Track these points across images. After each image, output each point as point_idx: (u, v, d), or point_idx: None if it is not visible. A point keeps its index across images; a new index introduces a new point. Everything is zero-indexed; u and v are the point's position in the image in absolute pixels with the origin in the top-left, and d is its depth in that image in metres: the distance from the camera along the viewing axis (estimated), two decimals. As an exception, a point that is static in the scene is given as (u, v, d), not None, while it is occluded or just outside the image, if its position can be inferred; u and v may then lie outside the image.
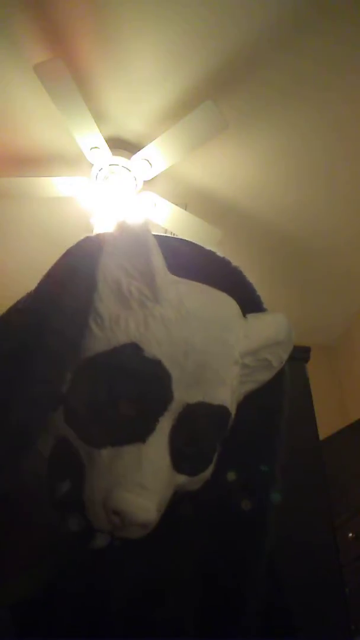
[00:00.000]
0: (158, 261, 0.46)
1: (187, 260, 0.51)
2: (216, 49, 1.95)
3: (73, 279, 0.47)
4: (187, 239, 0.57)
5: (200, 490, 0.48)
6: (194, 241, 0.56)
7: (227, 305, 0.49)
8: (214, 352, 0.45)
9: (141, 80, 2.07)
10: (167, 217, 2.35)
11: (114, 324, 0.45)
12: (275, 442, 0.51)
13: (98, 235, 0.50)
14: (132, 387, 0.43)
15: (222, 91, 2.08)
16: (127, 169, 2.23)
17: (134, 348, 0.43)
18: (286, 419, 0.52)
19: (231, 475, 0.49)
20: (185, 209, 2.39)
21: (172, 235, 0.55)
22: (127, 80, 2.07)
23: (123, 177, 2.24)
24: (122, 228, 0.47)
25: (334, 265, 2.91)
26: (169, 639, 0.44)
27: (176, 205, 2.35)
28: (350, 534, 1.99)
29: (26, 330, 0.46)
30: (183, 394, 0.44)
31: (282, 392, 0.53)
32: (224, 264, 0.54)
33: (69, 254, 0.50)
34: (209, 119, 1.95)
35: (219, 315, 0.47)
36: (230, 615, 0.46)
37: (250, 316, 0.50)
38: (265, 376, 0.51)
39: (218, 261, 0.54)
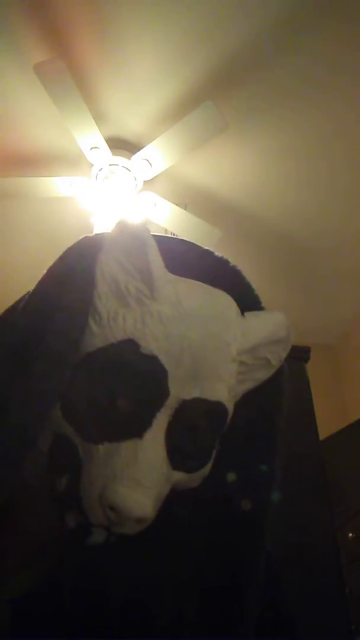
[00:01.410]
0: (156, 259, 0.46)
1: (186, 260, 0.51)
2: (216, 49, 1.95)
3: (72, 277, 0.47)
4: (187, 239, 0.57)
5: (200, 489, 0.48)
6: (192, 241, 0.56)
7: (225, 303, 0.49)
8: (211, 349, 0.46)
9: (141, 80, 2.07)
10: (167, 217, 2.35)
11: (112, 321, 0.45)
12: (275, 441, 0.51)
13: (97, 235, 0.51)
14: (129, 383, 0.44)
15: (222, 91, 2.08)
16: (127, 169, 2.23)
17: (131, 344, 0.44)
18: (285, 418, 0.52)
19: (231, 475, 0.49)
20: (185, 209, 2.39)
21: (172, 236, 0.55)
22: (127, 80, 2.07)
23: (123, 177, 2.24)
24: (121, 227, 0.48)
25: (334, 265, 2.91)
26: (169, 639, 0.44)
27: (176, 205, 2.35)
28: (350, 534, 1.99)
29: (26, 329, 0.46)
30: (179, 390, 0.44)
31: (281, 391, 0.53)
32: (222, 263, 0.54)
33: (67, 253, 0.51)
34: (209, 119, 1.95)
35: (217, 313, 0.47)
36: (230, 615, 0.45)
37: (248, 314, 0.50)
38: (263, 375, 0.51)
39: (216, 261, 0.54)
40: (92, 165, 2.23)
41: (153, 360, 0.44)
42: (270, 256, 2.84)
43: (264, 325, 0.50)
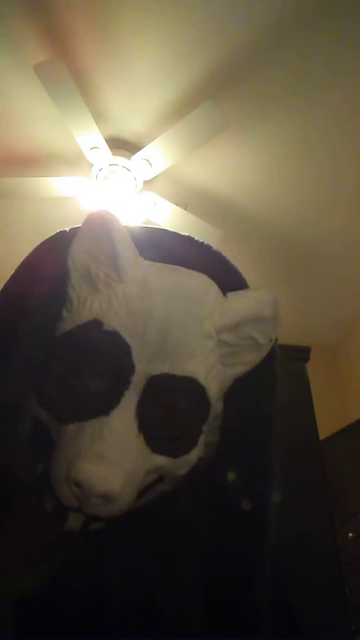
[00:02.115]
0: (122, 244, 0.47)
1: (166, 247, 0.51)
2: (216, 48, 1.95)
3: (43, 268, 0.49)
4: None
5: (199, 486, 0.48)
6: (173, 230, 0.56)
7: (200, 282, 0.49)
8: (179, 324, 0.45)
9: (141, 80, 2.07)
10: (167, 217, 2.35)
11: (81, 306, 0.46)
12: (270, 427, 0.50)
13: (70, 229, 0.52)
14: (95, 361, 0.44)
15: (222, 91, 2.08)
16: (127, 169, 2.23)
17: (95, 323, 0.45)
18: (280, 402, 0.51)
19: (230, 474, 0.48)
20: (185, 209, 2.39)
21: (154, 227, 0.56)
22: (127, 80, 2.07)
23: (123, 177, 2.24)
24: (90, 218, 0.49)
25: (334, 265, 2.91)
26: (169, 639, 0.44)
27: (176, 205, 2.35)
28: (350, 534, 1.99)
29: (1, 317, 0.47)
30: (146, 366, 0.44)
31: (274, 374, 0.52)
32: (204, 248, 0.54)
33: (39, 246, 0.52)
34: (209, 119, 1.95)
35: (187, 291, 0.47)
36: (234, 615, 0.45)
37: (230, 294, 0.50)
38: (254, 357, 0.50)
39: (198, 246, 0.54)
40: (92, 165, 2.23)
41: (115, 335, 0.44)
42: (271, 256, 2.84)
43: (245, 303, 0.49)
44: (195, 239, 0.54)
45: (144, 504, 0.47)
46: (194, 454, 0.47)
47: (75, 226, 0.51)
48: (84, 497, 0.40)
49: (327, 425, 1.73)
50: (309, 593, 0.96)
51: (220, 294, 0.49)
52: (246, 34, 1.90)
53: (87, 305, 0.46)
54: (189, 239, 0.54)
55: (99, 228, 0.48)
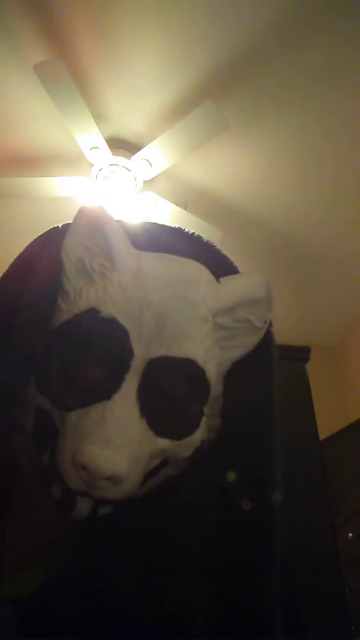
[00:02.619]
0: (115, 234, 0.48)
1: (158, 239, 0.53)
2: (216, 47, 1.95)
3: (38, 262, 0.50)
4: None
5: (203, 472, 0.48)
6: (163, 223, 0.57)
7: (193, 268, 0.50)
8: (174, 309, 0.46)
9: (141, 79, 2.07)
10: (167, 218, 2.35)
11: (77, 296, 0.47)
12: (271, 412, 0.50)
13: (63, 225, 0.53)
14: (94, 348, 0.45)
15: (222, 90, 2.08)
16: (127, 169, 2.23)
17: (92, 312, 0.46)
18: (277, 386, 0.51)
19: (232, 460, 0.48)
20: (185, 209, 2.39)
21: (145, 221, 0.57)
22: (127, 80, 2.07)
23: (123, 177, 2.24)
24: (81, 213, 0.50)
25: (335, 265, 2.91)
26: (169, 638, 0.44)
27: (176, 205, 2.35)
28: (350, 534, 1.99)
29: None
30: (145, 349, 0.45)
31: (270, 356, 0.52)
32: (194, 239, 0.55)
33: (34, 242, 0.53)
34: (209, 119, 1.95)
35: (181, 276, 0.48)
36: (239, 614, 0.45)
37: (223, 279, 0.51)
38: (251, 339, 0.51)
39: (189, 237, 0.55)
40: (92, 165, 2.23)
41: (112, 321, 0.45)
42: (271, 256, 2.84)
43: (238, 286, 0.50)
44: (186, 230, 0.55)
45: (149, 490, 0.47)
46: (197, 435, 0.47)
47: (67, 222, 0.52)
48: (92, 480, 0.41)
49: (327, 425, 1.73)
50: (309, 593, 0.96)
51: (214, 278, 0.50)
52: (246, 34, 1.90)
53: (83, 295, 0.47)
54: (180, 231, 0.55)
55: (91, 221, 0.49)
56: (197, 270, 0.50)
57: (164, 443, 0.45)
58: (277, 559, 0.46)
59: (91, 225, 0.49)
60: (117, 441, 0.41)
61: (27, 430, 0.47)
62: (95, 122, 1.99)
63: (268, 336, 0.52)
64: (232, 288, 0.50)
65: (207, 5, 1.82)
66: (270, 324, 0.53)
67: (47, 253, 0.50)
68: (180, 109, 2.11)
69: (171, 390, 0.46)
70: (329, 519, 1.23)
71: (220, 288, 0.49)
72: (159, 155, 2.12)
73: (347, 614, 1.14)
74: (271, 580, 0.45)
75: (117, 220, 0.50)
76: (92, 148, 2.12)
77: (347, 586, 1.23)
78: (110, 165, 2.22)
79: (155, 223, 0.56)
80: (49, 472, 0.43)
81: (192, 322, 0.47)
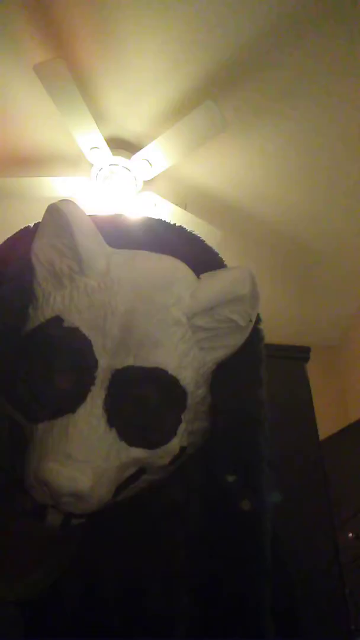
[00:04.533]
0: (82, 234, 0.46)
1: (136, 233, 0.50)
2: (216, 48, 1.95)
3: (8, 266, 0.47)
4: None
5: (190, 474, 0.47)
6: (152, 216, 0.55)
7: (168, 267, 0.47)
8: (143, 314, 0.44)
9: (141, 80, 2.07)
10: (167, 217, 2.34)
11: (44, 303, 0.45)
12: (259, 413, 0.48)
13: (33, 224, 0.51)
14: (58, 359, 0.44)
15: (222, 91, 2.08)
16: (127, 169, 2.23)
17: (56, 320, 0.44)
18: (267, 385, 0.49)
19: (223, 462, 0.47)
20: (185, 209, 2.39)
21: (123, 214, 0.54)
22: (127, 80, 2.07)
23: (123, 177, 2.24)
24: (49, 211, 0.48)
25: (335, 265, 2.91)
26: (169, 639, 0.44)
27: (176, 205, 2.35)
28: (350, 534, 1.99)
29: None
30: (110, 360, 0.43)
31: (258, 355, 0.49)
32: (176, 231, 0.53)
33: (3, 245, 0.51)
34: (209, 119, 1.95)
35: (153, 278, 0.46)
36: (233, 616, 0.45)
37: (204, 275, 0.48)
38: (235, 339, 0.48)
39: (170, 229, 0.53)
40: (92, 165, 2.23)
41: (74, 332, 0.43)
42: (271, 256, 2.84)
43: (217, 284, 0.47)
44: (167, 221, 0.53)
45: (131, 495, 0.46)
46: (174, 443, 0.45)
47: (39, 221, 0.50)
48: (55, 496, 0.40)
49: (327, 425, 1.73)
50: (309, 593, 0.96)
51: (193, 277, 0.47)
52: (246, 34, 1.90)
53: (50, 301, 0.45)
54: (160, 222, 0.53)
55: (58, 220, 0.47)
56: (173, 269, 0.47)
57: (137, 453, 0.44)
58: (267, 562, 0.45)
59: (59, 224, 0.46)
60: (80, 457, 0.40)
61: (2, 440, 0.46)
62: (95, 122, 1.99)
63: (255, 334, 0.49)
64: (212, 286, 0.46)
65: (207, 6, 1.82)
66: (258, 320, 0.50)
67: (16, 256, 0.48)
68: (181, 109, 2.11)
69: (140, 401, 0.44)
70: (329, 519, 1.23)
71: (199, 287, 0.46)
72: (159, 155, 2.12)
73: (347, 614, 1.14)
74: (260, 582, 0.44)
75: (88, 215, 0.48)
76: (92, 148, 2.12)
77: (347, 586, 1.23)
78: (110, 165, 2.22)
79: (136, 216, 0.53)
80: (19, 484, 0.42)
81: (162, 327, 0.44)
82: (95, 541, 0.48)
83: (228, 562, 0.45)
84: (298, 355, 1.42)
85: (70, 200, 0.47)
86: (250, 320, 0.48)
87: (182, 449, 0.46)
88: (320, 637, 0.92)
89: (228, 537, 0.45)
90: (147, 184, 2.30)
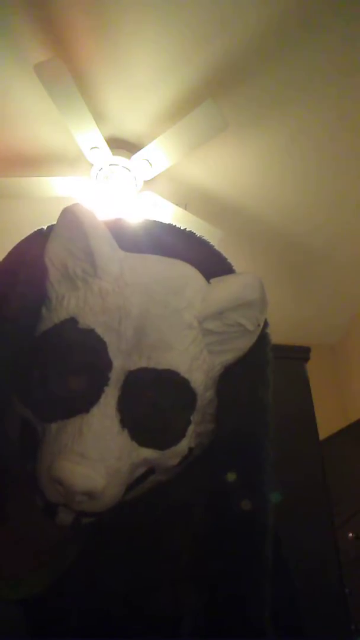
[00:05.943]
0: (97, 238, 0.46)
1: (147, 237, 0.51)
2: (217, 47, 1.95)
3: (22, 268, 0.48)
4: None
5: (195, 475, 0.47)
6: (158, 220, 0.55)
7: (180, 272, 0.48)
8: (156, 317, 0.45)
9: (141, 79, 2.07)
10: (167, 218, 2.35)
11: (59, 304, 0.46)
12: (265, 416, 0.49)
13: (47, 227, 0.52)
14: (73, 360, 0.44)
15: (222, 90, 2.08)
16: (127, 169, 2.23)
17: (71, 322, 0.45)
18: (274, 389, 0.49)
19: (227, 464, 0.47)
20: (185, 209, 2.39)
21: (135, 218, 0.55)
22: (127, 80, 2.07)
23: (123, 177, 2.24)
24: (64, 214, 0.48)
25: (335, 265, 2.91)
26: (169, 639, 0.44)
27: (176, 205, 2.35)
28: (350, 534, 1.99)
29: None
30: (124, 361, 0.44)
31: (266, 359, 0.50)
32: (186, 236, 0.53)
33: (17, 247, 0.52)
34: (209, 119, 1.95)
35: (166, 282, 0.46)
36: (234, 616, 0.45)
37: (214, 280, 0.49)
38: (243, 343, 0.49)
39: (180, 234, 0.53)
40: (92, 165, 2.23)
41: (90, 333, 0.44)
42: (271, 256, 2.84)
43: (227, 289, 0.48)
44: (177, 226, 0.54)
45: (137, 496, 0.46)
46: (183, 445, 0.46)
47: (52, 224, 0.51)
48: (68, 495, 0.40)
49: (327, 425, 1.73)
50: (309, 593, 0.96)
51: (203, 281, 0.48)
52: (247, 34, 1.90)
53: (64, 303, 0.46)
54: (171, 227, 0.54)
55: (73, 223, 0.47)
56: (184, 274, 0.48)
57: (148, 453, 0.44)
58: (268, 563, 0.45)
59: (73, 228, 0.47)
60: (93, 456, 0.40)
61: (14, 440, 0.47)
62: (95, 122, 1.99)
63: (263, 338, 0.50)
64: (222, 291, 0.48)
65: (207, 5, 1.82)
66: (266, 325, 0.51)
67: (30, 258, 0.48)
68: (181, 109, 2.11)
69: (153, 402, 0.45)
70: (329, 519, 1.23)
71: (209, 291, 0.47)
72: (159, 155, 2.12)
73: (347, 614, 1.14)
74: (261, 584, 0.45)
75: (100, 220, 0.48)
76: (92, 148, 2.11)
77: (347, 586, 1.23)
78: (110, 165, 2.22)
79: (147, 220, 0.54)
80: (33, 483, 0.43)
81: (174, 330, 0.45)
82: (99, 540, 0.48)
83: (230, 561, 0.45)
84: (298, 355, 1.42)
85: (83, 205, 0.48)
86: (259, 325, 0.49)
87: (190, 450, 0.47)
88: (320, 637, 0.92)
89: (231, 537, 0.45)
90: (147, 184, 2.30)
